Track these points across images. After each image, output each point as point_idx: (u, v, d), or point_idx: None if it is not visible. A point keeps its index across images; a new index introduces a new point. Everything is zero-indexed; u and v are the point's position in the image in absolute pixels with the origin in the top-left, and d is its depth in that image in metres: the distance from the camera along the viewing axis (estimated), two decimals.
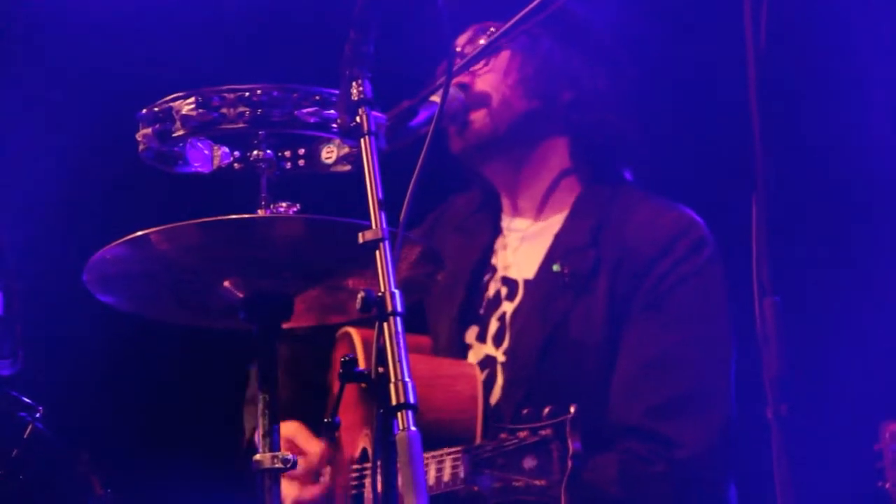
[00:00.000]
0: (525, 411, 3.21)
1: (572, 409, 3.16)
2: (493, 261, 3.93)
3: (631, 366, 3.65)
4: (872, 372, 4.28)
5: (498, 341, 3.82)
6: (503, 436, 3.20)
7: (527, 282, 3.83)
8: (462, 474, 3.27)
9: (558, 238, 3.82)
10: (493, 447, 3.19)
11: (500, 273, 3.90)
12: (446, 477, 3.34)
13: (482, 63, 3.81)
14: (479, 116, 3.82)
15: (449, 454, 3.35)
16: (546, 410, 3.18)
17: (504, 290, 3.87)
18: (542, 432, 3.15)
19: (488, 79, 3.83)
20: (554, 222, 3.86)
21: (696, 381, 3.65)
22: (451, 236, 4.00)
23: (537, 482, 3.13)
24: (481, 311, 3.89)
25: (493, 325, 3.85)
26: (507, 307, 3.85)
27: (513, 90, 3.82)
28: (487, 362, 3.82)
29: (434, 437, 3.46)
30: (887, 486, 3.70)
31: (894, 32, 4.39)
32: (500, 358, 3.81)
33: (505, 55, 3.83)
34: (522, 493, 3.15)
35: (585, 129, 3.85)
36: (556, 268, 3.76)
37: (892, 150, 4.37)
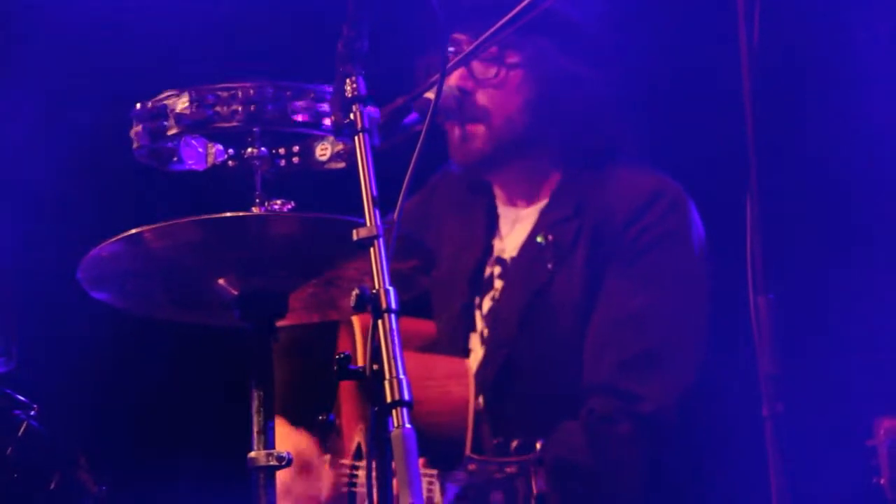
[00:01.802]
0: (495, 441, 3.24)
1: (538, 446, 3.18)
2: (491, 243, 3.97)
3: (602, 324, 3.70)
4: (866, 368, 4.28)
5: (489, 319, 3.87)
6: (472, 467, 3.22)
7: (513, 258, 3.88)
8: (435, 498, 3.29)
9: (543, 214, 3.86)
10: (464, 476, 3.21)
11: (495, 254, 3.95)
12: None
13: (492, 74, 3.81)
14: (479, 132, 3.83)
15: (425, 476, 3.36)
16: (514, 444, 3.20)
17: (497, 270, 3.92)
18: (508, 469, 3.18)
19: (493, 95, 3.83)
20: (542, 204, 3.89)
21: (665, 338, 3.69)
22: (448, 217, 4.04)
23: None
24: (480, 291, 3.93)
25: (487, 304, 3.92)
26: (499, 285, 3.90)
27: (516, 110, 3.83)
28: (482, 339, 3.86)
29: (425, 439, 3.46)
30: (882, 482, 3.70)
31: (890, 28, 4.40)
32: (486, 332, 3.85)
33: (517, 75, 3.83)
34: None
35: (586, 144, 3.87)
36: (539, 239, 3.80)
37: (887, 147, 4.37)
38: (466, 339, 3.91)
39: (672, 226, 3.75)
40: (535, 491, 3.14)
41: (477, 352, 3.90)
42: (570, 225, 3.80)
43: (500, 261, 3.94)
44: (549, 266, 3.78)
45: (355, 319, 3.81)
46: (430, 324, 3.99)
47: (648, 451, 3.63)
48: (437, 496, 3.29)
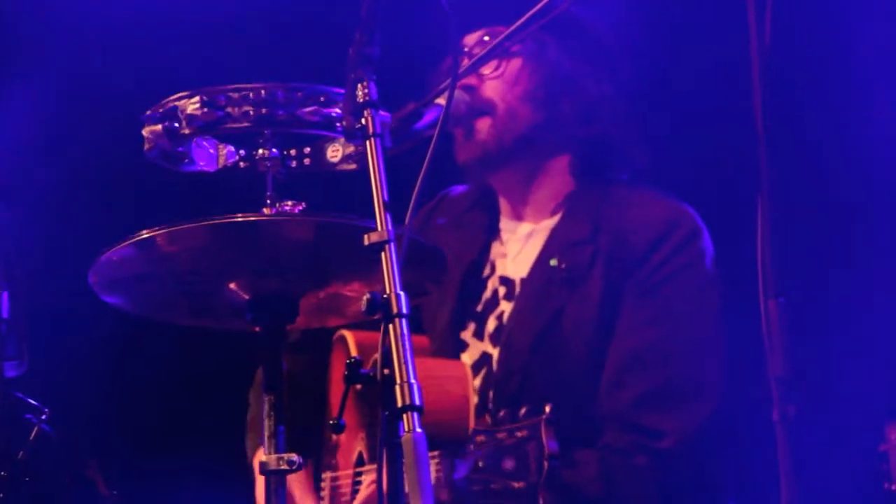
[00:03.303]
0: (502, 412, 3.21)
1: (547, 409, 3.15)
2: (492, 259, 3.93)
3: (620, 357, 3.66)
4: (878, 373, 4.27)
5: (496, 340, 3.83)
6: (480, 438, 3.19)
7: (522, 280, 3.84)
8: (443, 477, 3.25)
9: (554, 234, 3.83)
10: (472, 450, 3.18)
11: (498, 272, 3.91)
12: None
13: (492, 68, 3.80)
14: (484, 126, 3.81)
15: (431, 457, 3.33)
16: (522, 411, 3.17)
17: (502, 290, 3.88)
18: (519, 434, 3.14)
19: (496, 86, 3.82)
20: (551, 221, 3.87)
21: (684, 372, 3.65)
22: (447, 231, 4.00)
23: (515, 484, 3.11)
24: (479, 309, 3.89)
25: (492, 324, 3.86)
26: (506, 307, 3.85)
27: (519, 101, 3.81)
28: (484, 360, 3.82)
29: (428, 439, 3.45)
30: (893, 487, 3.70)
31: None
32: (496, 356, 3.81)
33: (516, 64, 3.82)
34: (501, 496, 3.14)
35: (590, 143, 3.85)
36: (553, 262, 3.77)
37: None
38: (458, 352, 3.88)
39: (689, 257, 3.72)
40: (546, 451, 3.10)
41: (474, 368, 3.86)
42: (584, 250, 3.76)
43: (505, 280, 3.90)
44: (562, 294, 3.74)
45: (348, 335, 3.79)
46: (421, 338, 3.96)
47: (663, 484, 3.60)
48: (444, 475, 3.25)
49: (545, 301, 3.75)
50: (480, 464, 3.15)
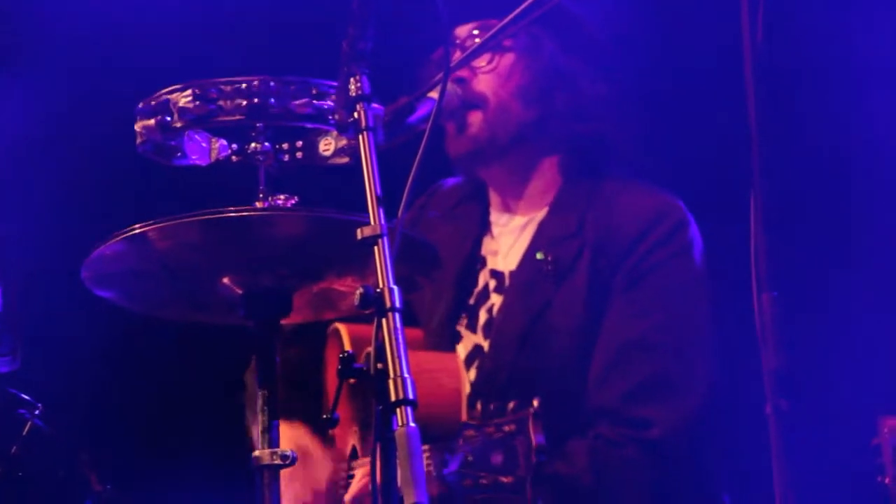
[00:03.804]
0: (492, 406, 3.21)
1: (535, 403, 3.15)
2: (483, 252, 3.94)
3: (609, 349, 3.67)
4: (871, 367, 4.28)
5: (487, 332, 3.83)
6: (469, 433, 3.19)
7: (511, 273, 3.85)
8: (434, 472, 3.26)
9: (542, 227, 3.83)
10: (461, 444, 3.18)
11: (489, 265, 3.91)
12: None
13: (485, 61, 3.80)
14: (476, 120, 3.81)
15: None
16: (511, 405, 3.18)
17: (493, 283, 3.89)
18: (507, 428, 3.14)
19: (488, 80, 3.82)
20: (540, 214, 3.87)
21: (673, 363, 3.66)
22: (439, 224, 4.01)
23: (503, 479, 3.12)
24: (471, 302, 3.90)
25: (483, 317, 3.87)
26: (496, 299, 3.86)
27: (511, 96, 3.81)
28: (477, 352, 3.83)
29: (420, 432, 3.45)
30: (886, 480, 3.70)
31: (893, 27, 4.40)
32: (487, 348, 3.82)
33: (509, 58, 3.82)
34: (490, 490, 3.14)
35: (582, 140, 3.85)
36: (539, 255, 3.77)
37: (891, 145, 4.37)
38: (454, 344, 3.88)
39: (676, 247, 3.73)
40: (534, 444, 3.11)
41: (468, 360, 3.86)
42: (571, 243, 3.77)
43: (496, 273, 3.90)
44: (549, 287, 3.74)
45: (342, 328, 3.79)
46: (415, 331, 3.96)
47: (653, 475, 3.61)
48: (434, 469, 3.25)
49: (532, 295, 3.76)
50: (470, 458, 3.15)
